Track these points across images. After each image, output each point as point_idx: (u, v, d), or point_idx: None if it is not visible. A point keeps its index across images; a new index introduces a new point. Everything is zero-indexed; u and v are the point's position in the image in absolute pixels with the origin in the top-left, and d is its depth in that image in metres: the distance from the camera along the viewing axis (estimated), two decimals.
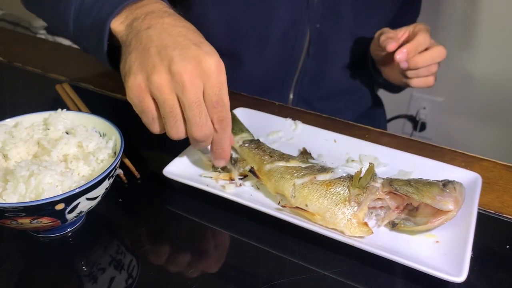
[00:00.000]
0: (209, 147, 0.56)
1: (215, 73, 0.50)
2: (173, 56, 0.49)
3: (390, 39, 0.76)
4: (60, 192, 0.44)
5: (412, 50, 0.75)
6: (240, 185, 0.57)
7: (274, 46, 0.88)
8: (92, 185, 0.45)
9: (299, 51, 0.89)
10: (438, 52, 0.78)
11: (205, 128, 0.51)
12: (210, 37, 0.56)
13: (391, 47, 0.75)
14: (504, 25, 1.45)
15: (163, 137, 0.71)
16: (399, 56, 0.74)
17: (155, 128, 0.53)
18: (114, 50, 0.60)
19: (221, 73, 0.51)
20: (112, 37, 0.59)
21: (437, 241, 0.49)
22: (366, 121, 0.97)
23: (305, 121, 0.69)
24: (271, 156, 0.58)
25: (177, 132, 0.52)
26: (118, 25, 0.57)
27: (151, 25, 0.53)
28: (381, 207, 0.51)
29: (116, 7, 0.58)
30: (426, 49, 0.77)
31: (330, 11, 0.86)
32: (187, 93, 0.49)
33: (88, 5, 0.62)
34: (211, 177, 0.58)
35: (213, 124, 0.52)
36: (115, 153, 0.53)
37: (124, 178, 0.59)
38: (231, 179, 0.57)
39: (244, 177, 0.57)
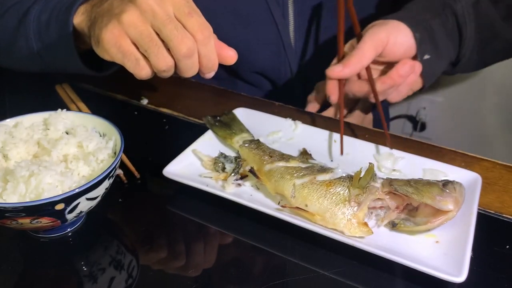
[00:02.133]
0: (204, 151, 0.57)
1: None
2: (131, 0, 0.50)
3: (311, 102, 0.78)
4: (60, 192, 0.44)
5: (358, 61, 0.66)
6: (240, 185, 0.57)
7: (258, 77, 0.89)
8: (92, 185, 0.45)
9: (284, 83, 0.91)
10: (411, 83, 0.70)
11: (186, 40, 0.50)
12: None
13: (310, 110, 0.77)
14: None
15: (163, 137, 0.71)
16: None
17: (142, 69, 0.52)
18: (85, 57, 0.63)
19: None
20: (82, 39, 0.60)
21: (437, 241, 0.49)
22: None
23: (305, 121, 0.69)
24: (271, 156, 0.58)
25: (163, 60, 0.51)
26: (79, 17, 0.59)
27: (109, 4, 0.53)
28: (381, 207, 0.51)
29: (72, 5, 0.60)
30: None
31: (308, 46, 0.87)
32: (157, 15, 0.49)
33: (45, 20, 0.63)
34: (211, 177, 0.58)
35: (195, 35, 0.50)
36: (115, 153, 0.53)
37: (124, 178, 0.59)
38: (225, 179, 0.57)
39: (244, 177, 0.57)
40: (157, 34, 0.50)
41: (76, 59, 0.62)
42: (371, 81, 0.68)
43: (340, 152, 0.63)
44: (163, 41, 0.50)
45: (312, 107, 0.80)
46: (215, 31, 0.55)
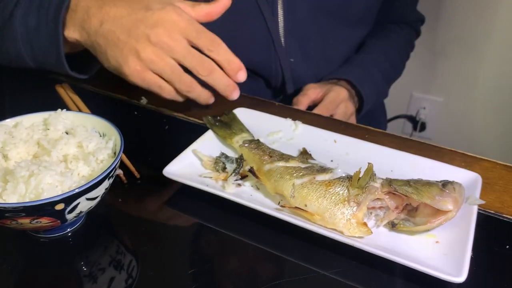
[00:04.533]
0: (204, 151, 0.59)
1: (178, 18, 0.58)
2: (143, 31, 0.57)
3: (297, 104, 0.85)
4: (60, 192, 0.44)
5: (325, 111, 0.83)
6: (240, 185, 0.57)
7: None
8: (92, 185, 0.45)
9: (275, 80, 0.91)
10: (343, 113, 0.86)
11: (206, 64, 0.59)
12: None
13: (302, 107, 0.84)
14: (504, 25, 1.45)
15: (163, 137, 0.71)
16: None
17: (167, 93, 0.62)
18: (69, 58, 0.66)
19: (182, 14, 0.59)
20: (73, 44, 0.65)
21: (437, 241, 0.49)
22: (366, 121, 0.97)
23: (305, 121, 0.69)
24: (271, 156, 0.58)
25: (185, 84, 0.61)
26: (72, 34, 0.63)
27: (101, 21, 0.60)
28: (380, 207, 0.51)
29: (58, 17, 0.62)
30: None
31: (297, 44, 0.88)
32: (175, 49, 0.58)
33: (33, 25, 0.65)
34: (211, 177, 0.58)
35: (208, 50, 0.59)
36: (115, 153, 0.53)
37: (124, 178, 0.59)
38: (225, 179, 0.57)
39: (244, 177, 0.57)
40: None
41: (65, 68, 0.66)
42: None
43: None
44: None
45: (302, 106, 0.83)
46: (206, 28, 0.62)
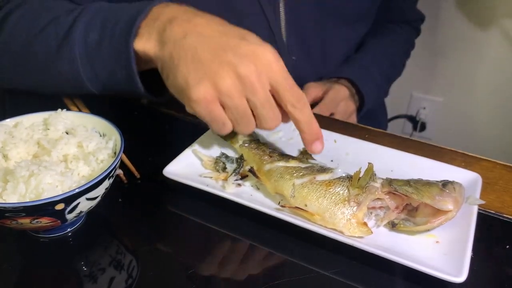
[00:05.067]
0: (204, 151, 0.58)
1: (275, 61, 0.50)
2: (231, 59, 0.49)
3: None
4: (60, 192, 0.44)
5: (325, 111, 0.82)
6: (240, 185, 0.57)
7: None
8: (92, 185, 0.45)
9: None
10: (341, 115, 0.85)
11: (277, 121, 0.53)
12: None
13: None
14: (504, 25, 1.45)
15: (163, 137, 0.71)
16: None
17: (226, 131, 0.53)
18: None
19: (278, 57, 0.51)
20: (137, 61, 0.57)
21: (437, 241, 0.49)
22: (366, 121, 0.97)
23: None
24: (271, 156, 0.58)
25: (249, 129, 0.53)
26: (144, 43, 0.55)
27: (186, 32, 0.52)
28: (380, 207, 0.51)
29: (131, 26, 0.55)
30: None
31: (299, 42, 0.88)
32: (257, 94, 0.49)
33: (95, 40, 0.58)
34: (211, 177, 0.58)
35: (292, 106, 0.51)
36: (115, 153, 0.53)
37: (124, 178, 0.59)
38: (225, 179, 0.57)
39: (244, 177, 0.57)
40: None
41: (137, 84, 0.58)
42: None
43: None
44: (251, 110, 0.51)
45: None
46: None
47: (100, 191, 0.47)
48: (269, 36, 0.85)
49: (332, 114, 0.85)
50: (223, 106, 0.50)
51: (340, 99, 0.86)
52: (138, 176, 0.60)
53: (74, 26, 0.60)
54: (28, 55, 0.65)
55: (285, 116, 0.53)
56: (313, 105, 0.86)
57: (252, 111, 0.51)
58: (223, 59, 0.49)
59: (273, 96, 0.51)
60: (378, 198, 0.50)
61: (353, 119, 0.90)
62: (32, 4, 0.68)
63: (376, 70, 0.94)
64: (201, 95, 0.49)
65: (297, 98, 0.51)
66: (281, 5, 0.83)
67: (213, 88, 0.49)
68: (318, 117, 0.77)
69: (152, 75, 0.59)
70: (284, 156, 0.58)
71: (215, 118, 0.51)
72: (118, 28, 0.57)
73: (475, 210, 0.51)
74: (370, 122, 0.96)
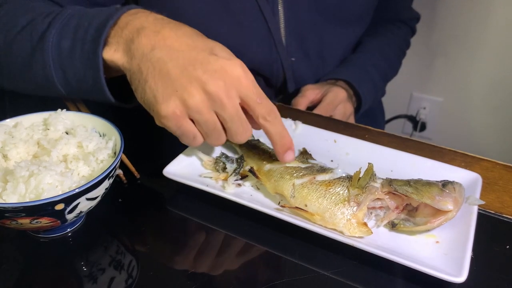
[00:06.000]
0: (204, 151, 0.58)
1: (244, 75, 0.50)
2: (200, 76, 0.49)
3: (295, 106, 0.84)
4: (60, 192, 0.44)
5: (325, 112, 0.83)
6: (240, 185, 0.57)
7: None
8: (92, 185, 0.45)
9: (277, 80, 0.91)
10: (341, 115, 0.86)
11: (247, 134, 0.53)
12: None
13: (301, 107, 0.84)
14: (504, 24, 1.45)
15: (163, 137, 0.71)
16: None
17: (197, 143, 0.53)
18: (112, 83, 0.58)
19: (247, 71, 0.51)
20: (108, 69, 0.56)
21: (437, 241, 0.49)
22: (365, 120, 0.98)
23: (305, 121, 0.69)
24: (271, 156, 0.58)
25: (219, 141, 0.53)
26: (112, 54, 0.55)
27: (154, 45, 0.52)
28: (380, 207, 0.51)
29: (100, 35, 0.55)
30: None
31: (297, 43, 0.88)
32: (227, 108, 0.49)
33: (67, 47, 0.58)
34: (211, 177, 0.58)
35: (263, 119, 0.52)
36: (115, 153, 0.53)
37: (124, 178, 0.59)
38: (225, 179, 0.57)
39: (244, 177, 0.57)
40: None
41: (105, 93, 0.58)
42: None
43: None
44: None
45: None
46: (207, 30, 0.57)
47: (100, 191, 0.47)
48: (268, 37, 0.85)
49: (330, 116, 0.85)
50: (192, 121, 0.51)
51: (338, 102, 0.86)
52: (138, 176, 0.60)
53: (48, 31, 0.58)
54: (5, 57, 0.63)
55: (256, 124, 0.53)
56: (311, 107, 0.86)
57: (222, 124, 0.52)
58: (192, 75, 0.49)
59: (244, 108, 0.51)
60: (378, 198, 0.50)
61: (351, 121, 0.90)
62: (14, 4, 0.66)
63: (373, 71, 0.95)
64: (170, 111, 0.50)
65: (268, 111, 0.51)
66: (280, 6, 0.83)
67: (182, 104, 0.49)
68: (318, 117, 0.77)
69: (124, 80, 0.58)
70: None
71: (185, 132, 0.52)
72: (89, 35, 0.56)
73: (475, 210, 0.51)
74: (369, 121, 0.96)
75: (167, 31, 0.53)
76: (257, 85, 0.52)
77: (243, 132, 0.52)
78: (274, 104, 0.79)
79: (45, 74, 0.60)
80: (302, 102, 0.85)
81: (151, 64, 0.51)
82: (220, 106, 0.49)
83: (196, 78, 0.49)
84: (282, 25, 0.85)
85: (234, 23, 0.83)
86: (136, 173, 0.60)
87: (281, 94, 0.96)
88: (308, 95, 0.86)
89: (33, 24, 0.61)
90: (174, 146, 0.61)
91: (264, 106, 0.51)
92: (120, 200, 0.57)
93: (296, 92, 0.91)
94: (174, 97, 0.49)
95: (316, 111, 0.83)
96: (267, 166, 0.56)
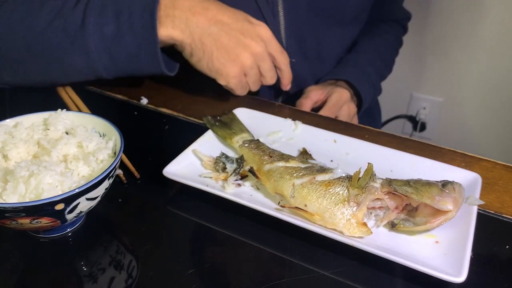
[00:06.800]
0: (204, 151, 0.58)
1: (272, 36, 0.72)
2: (248, 43, 0.69)
3: (300, 107, 0.86)
4: (60, 192, 0.44)
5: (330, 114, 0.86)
6: (240, 185, 0.57)
7: None
8: (92, 185, 0.45)
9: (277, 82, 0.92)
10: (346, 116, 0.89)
11: (274, 79, 0.76)
12: None
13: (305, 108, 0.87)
14: (503, 24, 1.45)
15: (163, 137, 0.71)
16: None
17: (244, 91, 0.75)
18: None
19: (273, 36, 0.72)
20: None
21: (437, 241, 0.49)
22: (364, 118, 0.98)
23: (305, 121, 0.69)
24: (271, 156, 0.58)
25: (258, 85, 0.75)
26: (170, 31, 0.67)
27: (210, 21, 0.67)
28: (380, 207, 0.51)
29: (152, 17, 0.65)
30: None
31: (297, 44, 0.89)
32: (266, 61, 0.72)
33: (111, 32, 0.66)
34: (211, 177, 0.58)
35: (281, 65, 0.75)
36: (115, 153, 0.53)
37: (124, 178, 0.59)
38: (225, 179, 0.57)
39: (244, 177, 0.57)
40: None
41: (161, 66, 0.69)
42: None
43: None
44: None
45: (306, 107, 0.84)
46: None
47: (100, 191, 0.47)
48: None
49: (336, 117, 0.85)
50: (245, 75, 0.72)
51: (343, 102, 0.86)
52: (138, 176, 0.60)
53: (86, 22, 0.65)
54: (31, 53, 0.68)
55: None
56: (315, 109, 0.86)
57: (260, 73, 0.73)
58: (244, 43, 0.69)
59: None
60: (377, 198, 0.50)
61: (355, 121, 0.91)
62: (15, 1, 0.69)
63: (371, 70, 0.97)
64: (237, 72, 0.70)
65: (286, 60, 0.76)
66: (280, 7, 0.84)
67: (241, 66, 0.70)
68: (318, 117, 0.77)
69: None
70: (284, 156, 0.58)
71: (243, 85, 0.72)
72: (136, 19, 0.65)
73: (475, 210, 0.51)
74: (368, 120, 0.96)
75: (213, 6, 0.69)
76: (277, 41, 0.73)
77: (274, 76, 0.75)
78: (275, 104, 0.80)
79: (87, 61, 0.68)
80: (306, 103, 0.85)
81: (212, 38, 0.68)
82: (262, 61, 0.71)
83: (245, 45, 0.69)
84: (282, 26, 0.85)
85: None
86: (136, 173, 0.60)
87: (282, 95, 0.96)
88: (312, 96, 0.86)
89: (62, 17, 0.66)
90: (174, 146, 0.61)
91: (284, 56, 0.75)
92: (120, 200, 0.57)
93: (297, 93, 0.92)
94: (236, 62, 0.69)
95: (322, 112, 0.83)
96: (267, 166, 0.56)
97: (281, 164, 0.56)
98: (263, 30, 0.70)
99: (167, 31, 0.67)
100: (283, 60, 0.75)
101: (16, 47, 0.68)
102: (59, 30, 0.66)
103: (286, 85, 0.79)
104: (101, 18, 0.66)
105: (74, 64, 0.68)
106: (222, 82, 0.71)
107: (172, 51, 0.72)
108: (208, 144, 0.64)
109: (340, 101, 0.86)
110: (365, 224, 0.49)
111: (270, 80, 0.74)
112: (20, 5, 0.68)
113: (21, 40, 0.67)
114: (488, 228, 0.53)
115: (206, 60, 0.69)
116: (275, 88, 0.94)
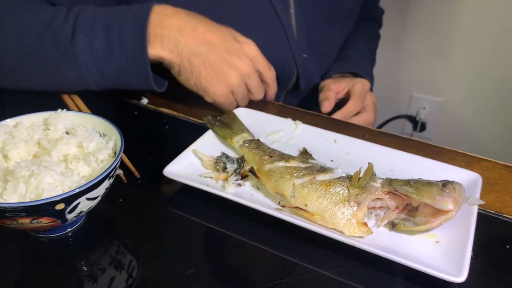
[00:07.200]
0: (204, 151, 0.58)
1: (259, 53, 0.72)
2: (235, 62, 0.69)
3: (325, 100, 0.84)
4: (60, 192, 0.44)
5: (343, 117, 0.82)
6: (240, 185, 0.57)
7: None
8: (92, 185, 0.45)
9: (288, 77, 0.92)
10: (364, 121, 0.86)
11: (262, 94, 0.76)
12: None
13: (325, 109, 0.83)
14: (503, 24, 1.45)
15: (163, 137, 0.71)
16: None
17: (232, 108, 0.73)
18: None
19: (258, 49, 0.72)
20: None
21: (437, 241, 0.49)
22: None
23: (305, 121, 0.69)
24: (271, 156, 0.58)
25: (246, 102, 0.75)
26: (159, 51, 0.67)
27: (198, 42, 0.68)
28: (380, 207, 0.51)
29: (142, 34, 0.65)
30: (357, 113, 0.86)
31: (305, 39, 0.89)
32: (253, 79, 0.72)
33: (101, 48, 0.66)
34: (211, 177, 0.58)
35: (268, 80, 0.75)
36: (115, 153, 0.53)
37: (124, 178, 0.59)
38: (225, 179, 0.57)
39: (244, 177, 0.57)
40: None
41: (151, 83, 0.69)
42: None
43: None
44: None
45: (328, 105, 0.83)
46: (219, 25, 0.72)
47: (100, 191, 0.47)
48: (281, 34, 0.85)
49: (362, 107, 0.86)
50: (232, 93, 0.71)
51: (367, 91, 0.87)
52: (138, 176, 0.60)
53: (76, 38, 0.65)
54: (22, 63, 0.68)
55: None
56: (339, 103, 0.85)
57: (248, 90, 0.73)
58: (231, 62, 0.69)
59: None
60: (378, 198, 0.50)
61: (376, 110, 0.92)
62: (8, 8, 0.69)
63: (367, 65, 1.00)
64: (223, 91, 0.70)
65: (272, 76, 0.76)
66: (291, 2, 0.84)
67: (227, 85, 0.70)
68: (319, 117, 0.77)
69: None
70: (284, 156, 0.58)
71: (231, 102, 0.72)
72: (125, 35, 0.66)
73: (475, 210, 0.51)
74: None
75: (200, 26, 0.69)
76: (264, 57, 0.73)
77: (261, 92, 0.75)
78: (275, 104, 0.80)
79: (77, 75, 0.68)
80: (331, 95, 0.84)
81: (200, 58, 0.68)
82: (249, 78, 0.71)
83: (232, 65, 0.69)
84: (293, 21, 0.85)
85: (246, 21, 0.83)
86: (136, 173, 0.60)
87: (293, 91, 0.95)
88: (332, 88, 0.86)
89: (52, 30, 0.66)
90: (174, 146, 0.61)
91: (270, 73, 0.75)
92: (120, 200, 0.57)
93: (307, 89, 0.93)
94: (223, 81, 0.69)
95: (350, 103, 0.83)
96: (267, 166, 0.56)
97: (281, 164, 0.56)
98: (250, 48, 0.71)
99: (155, 51, 0.67)
100: (270, 75, 0.75)
101: (7, 56, 0.68)
102: (50, 44, 0.66)
103: (270, 98, 0.80)
104: (90, 34, 0.66)
105: (65, 76, 0.69)
106: (208, 99, 0.71)
107: (161, 67, 0.72)
108: (208, 144, 0.64)
109: (364, 91, 0.86)
110: (365, 224, 0.49)
111: (257, 95, 0.75)
112: (12, 13, 0.69)
113: (12, 50, 0.68)
114: (489, 228, 0.53)
115: (194, 80, 0.69)
116: (286, 84, 0.93)
